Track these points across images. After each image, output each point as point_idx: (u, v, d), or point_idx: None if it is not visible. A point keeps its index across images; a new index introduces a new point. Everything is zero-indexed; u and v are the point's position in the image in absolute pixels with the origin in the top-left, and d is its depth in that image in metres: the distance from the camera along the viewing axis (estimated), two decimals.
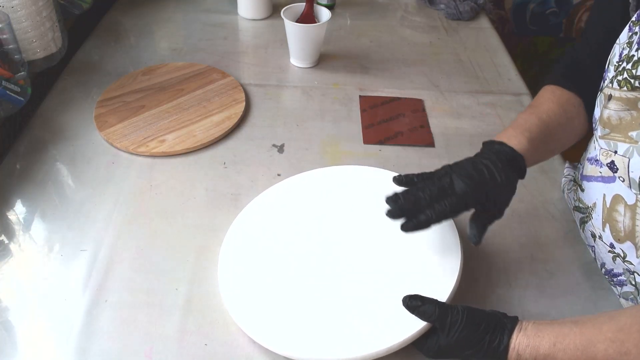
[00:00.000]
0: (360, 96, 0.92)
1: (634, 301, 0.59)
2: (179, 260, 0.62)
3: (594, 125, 0.62)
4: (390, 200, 0.53)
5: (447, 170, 0.56)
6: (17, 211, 0.67)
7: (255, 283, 0.59)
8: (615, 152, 0.56)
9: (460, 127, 0.86)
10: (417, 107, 0.90)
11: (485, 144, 0.60)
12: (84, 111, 0.84)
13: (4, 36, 0.69)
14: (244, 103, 0.85)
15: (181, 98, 0.84)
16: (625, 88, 0.54)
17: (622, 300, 0.61)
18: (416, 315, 0.52)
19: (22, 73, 0.73)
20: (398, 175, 0.56)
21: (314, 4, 0.97)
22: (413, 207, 0.53)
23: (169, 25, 1.11)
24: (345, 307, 0.57)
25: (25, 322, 0.56)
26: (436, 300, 0.52)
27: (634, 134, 0.54)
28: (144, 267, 0.61)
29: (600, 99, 0.59)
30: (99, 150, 0.77)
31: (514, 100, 0.93)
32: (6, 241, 0.64)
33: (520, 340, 0.48)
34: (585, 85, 0.64)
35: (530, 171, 0.77)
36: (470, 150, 0.81)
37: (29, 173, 0.72)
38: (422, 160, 0.79)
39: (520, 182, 0.76)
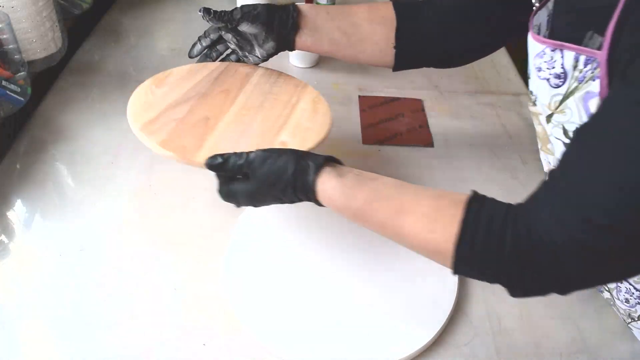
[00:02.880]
0: (359, 96, 0.92)
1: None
2: (178, 260, 0.63)
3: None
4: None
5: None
6: (17, 211, 0.68)
7: (260, 284, 0.59)
8: (549, 162, 0.58)
9: (459, 127, 0.86)
10: (416, 107, 0.90)
11: None
12: (84, 111, 0.84)
13: (4, 36, 0.69)
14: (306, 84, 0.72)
15: (240, 98, 0.66)
16: (530, 103, 0.56)
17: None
18: (221, 171, 0.52)
19: (22, 73, 0.73)
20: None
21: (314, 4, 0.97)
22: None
23: (169, 25, 1.11)
24: (348, 309, 0.57)
25: (25, 322, 0.56)
26: (234, 153, 0.52)
27: (550, 145, 0.55)
28: (143, 267, 0.62)
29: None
30: (99, 150, 0.77)
31: (513, 100, 0.93)
32: (6, 241, 0.64)
33: (334, 185, 0.48)
34: (412, 21, 0.65)
35: (531, 171, 0.78)
36: (470, 150, 0.81)
37: (29, 173, 0.72)
38: (422, 160, 0.79)
39: (520, 182, 0.76)
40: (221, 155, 0.51)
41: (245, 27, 0.64)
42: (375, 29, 0.65)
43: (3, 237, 0.64)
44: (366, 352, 0.53)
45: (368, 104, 0.90)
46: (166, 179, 0.73)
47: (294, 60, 0.99)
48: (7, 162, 0.74)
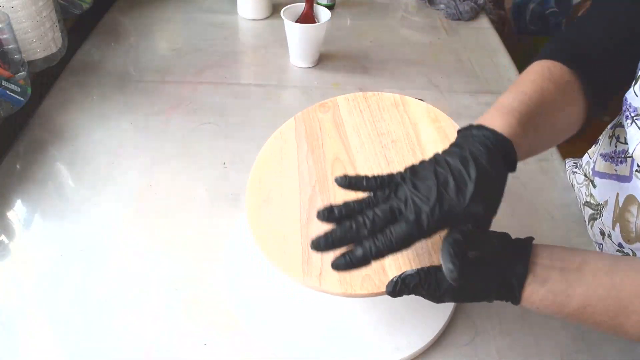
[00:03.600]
0: None
1: None
2: (179, 260, 0.62)
3: (630, 116, 0.54)
4: (321, 235, 0.40)
5: (403, 178, 0.42)
6: (17, 211, 0.67)
7: (259, 284, 0.59)
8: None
9: (460, 127, 0.86)
10: None
11: (460, 131, 0.46)
12: (84, 111, 0.84)
13: (4, 36, 0.69)
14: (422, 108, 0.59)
15: (359, 165, 0.54)
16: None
17: None
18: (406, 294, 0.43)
19: (22, 73, 0.73)
20: (327, 208, 0.42)
21: (314, 4, 0.97)
22: (349, 237, 0.40)
23: (169, 25, 1.11)
24: (348, 309, 0.57)
25: (25, 322, 0.56)
26: (416, 270, 0.42)
27: None
28: (144, 267, 0.61)
29: None
30: (99, 150, 0.77)
31: None
32: (6, 241, 0.64)
33: (542, 296, 0.42)
34: (587, 65, 0.53)
35: (530, 171, 0.78)
36: None
37: (29, 173, 0.72)
38: None
39: (519, 182, 0.76)
40: (402, 281, 0.42)
41: None
42: (569, 114, 0.53)
43: (3, 237, 0.64)
44: (366, 352, 0.53)
45: None
46: (166, 179, 0.73)
47: (294, 60, 0.99)
48: (7, 162, 0.74)
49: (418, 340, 0.54)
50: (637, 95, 0.54)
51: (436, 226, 0.39)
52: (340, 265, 0.40)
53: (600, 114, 0.56)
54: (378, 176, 0.43)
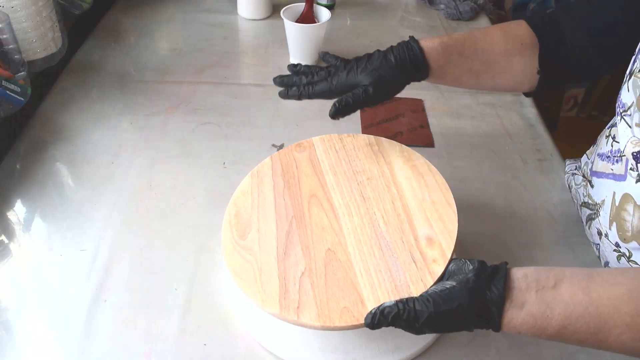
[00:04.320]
0: None
1: None
2: (178, 260, 0.62)
3: (619, 112, 0.57)
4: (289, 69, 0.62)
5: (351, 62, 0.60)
6: (17, 211, 0.67)
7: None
8: None
9: (460, 127, 0.86)
10: (417, 107, 0.90)
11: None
12: (84, 111, 0.84)
13: (4, 36, 0.69)
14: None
15: (335, 200, 0.57)
16: None
17: None
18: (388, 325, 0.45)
19: (22, 73, 0.73)
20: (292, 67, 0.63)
21: (314, 4, 0.97)
22: (292, 82, 0.60)
23: (169, 25, 1.11)
24: None
25: (25, 322, 0.56)
26: (397, 307, 0.44)
27: None
28: (143, 267, 0.61)
29: (633, 84, 0.54)
30: (99, 150, 0.77)
31: (514, 100, 0.93)
32: (6, 241, 0.64)
33: (522, 321, 0.42)
34: (553, 40, 0.59)
35: (530, 171, 0.78)
36: (470, 150, 0.81)
37: (29, 173, 0.72)
38: None
39: (520, 183, 0.76)
40: (381, 312, 0.44)
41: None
42: (512, 61, 0.60)
43: (3, 237, 0.64)
44: (366, 352, 0.53)
45: None
46: (166, 179, 0.73)
47: (294, 60, 0.99)
48: (7, 162, 0.74)
49: (418, 340, 0.54)
50: (628, 91, 0.54)
51: (341, 87, 0.58)
52: (281, 93, 0.61)
53: (547, 88, 0.63)
54: (307, 66, 0.62)
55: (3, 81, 0.69)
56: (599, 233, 0.62)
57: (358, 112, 0.88)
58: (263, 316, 0.56)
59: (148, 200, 0.70)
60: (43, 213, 0.67)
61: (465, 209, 0.71)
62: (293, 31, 0.94)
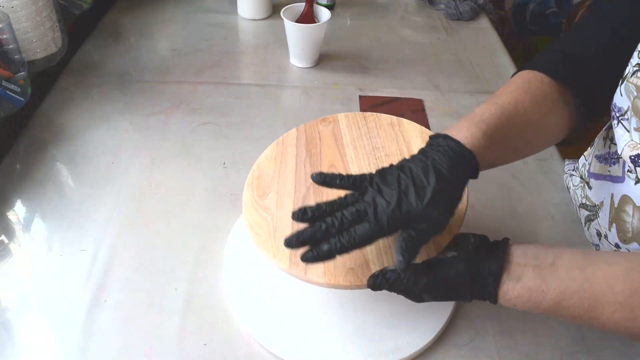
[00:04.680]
0: (360, 96, 0.92)
1: None
2: (178, 260, 0.62)
3: (615, 117, 0.56)
4: (292, 236, 0.44)
5: (371, 181, 0.45)
6: (17, 211, 0.67)
7: (260, 284, 0.59)
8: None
9: None
10: (417, 107, 0.90)
11: (430, 138, 0.49)
12: (84, 111, 0.84)
13: (4, 36, 0.69)
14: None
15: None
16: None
17: None
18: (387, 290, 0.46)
19: (22, 73, 0.73)
20: (301, 210, 0.45)
21: (314, 4, 0.97)
22: (318, 236, 0.44)
23: (169, 25, 1.11)
24: (348, 309, 0.57)
25: (25, 322, 0.56)
26: (395, 273, 0.45)
27: None
28: (143, 267, 0.61)
29: (625, 89, 0.53)
30: (99, 150, 0.77)
31: None
32: (6, 241, 0.64)
33: (518, 293, 0.43)
34: (578, 76, 0.54)
35: (530, 172, 0.78)
36: None
37: (29, 173, 0.72)
38: None
39: (520, 182, 0.76)
40: (383, 275, 0.45)
41: None
42: (548, 123, 0.54)
43: (3, 237, 0.64)
44: (366, 352, 0.53)
45: (368, 104, 0.90)
46: (166, 179, 0.73)
47: (294, 60, 0.99)
48: (7, 162, 0.74)
49: (418, 340, 0.54)
50: (622, 95, 0.54)
51: (394, 226, 0.43)
52: (308, 258, 0.44)
53: (592, 120, 0.57)
54: (350, 176, 0.46)
55: (3, 81, 0.69)
56: (599, 234, 0.62)
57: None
58: (263, 316, 0.56)
59: (148, 200, 0.70)
60: (43, 213, 0.67)
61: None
62: (293, 31, 0.94)
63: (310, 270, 0.48)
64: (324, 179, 0.46)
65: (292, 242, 0.44)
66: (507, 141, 0.51)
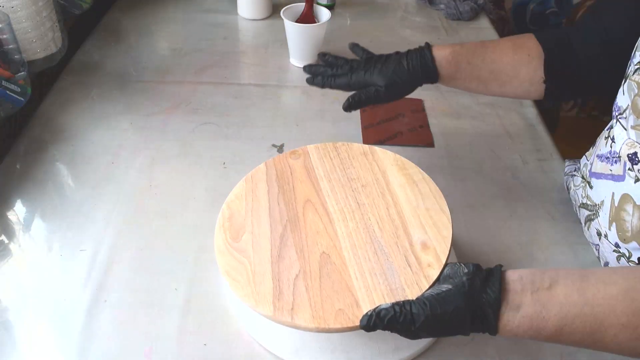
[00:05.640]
0: None
1: None
2: (178, 260, 0.62)
3: (615, 115, 0.58)
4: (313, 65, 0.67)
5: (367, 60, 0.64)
6: (17, 211, 0.67)
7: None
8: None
9: (460, 127, 0.86)
10: (417, 107, 0.90)
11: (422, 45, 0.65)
12: (84, 111, 0.84)
13: (4, 36, 0.69)
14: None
15: (330, 206, 0.57)
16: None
17: None
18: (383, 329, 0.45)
19: (22, 73, 0.73)
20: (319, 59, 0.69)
21: (314, 4, 0.97)
22: (319, 72, 0.65)
23: (169, 25, 1.11)
24: None
25: (25, 322, 0.56)
26: (392, 308, 0.44)
27: None
28: (143, 267, 0.61)
29: (628, 87, 0.55)
30: (99, 150, 0.77)
31: (513, 100, 0.93)
32: (6, 241, 0.64)
33: (518, 323, 0.43)
34: (563, 50, 0.62)
35: (530, 171, 0.78)
36: (470, 150, 0.81)
37: (29, 173, 0.72)
38: (422, 160, 0.79)
39: (520, 182, 0.76)
40: (377, 314, 0.44)
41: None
42: (519, 70, 0.63)
43: (3, 237, 0.64)
44: (366, 352, 0.53)
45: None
46: (166, 179, 0.73)
47: (294, 60, 0.99)
48: (7, 162, 0.74)
49: (418, 340, 0.54)
50: (624, 94, 0.55)
51: (357, 83, 0.63)
52: (308, 79, 0.66)
53: (556, 100, 0.66)
54: (334, 57, 0.67)
55: (3, 81, 0.69)
56: (599, 234, 0.62)
57: (358, 112, 0.88)
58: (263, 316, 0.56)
59: (148, 200, 0.70)
60: (43, 213, 0.67)
61: (465, 209, 0.71)
62: (293, 31, 0.94)
63: (297, 316, 0.46)
64: (310, 66, 0.67)
65: (305, 68, 0.67)
66: (472, 65, 0.63)
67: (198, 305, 0.58)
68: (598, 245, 0.63)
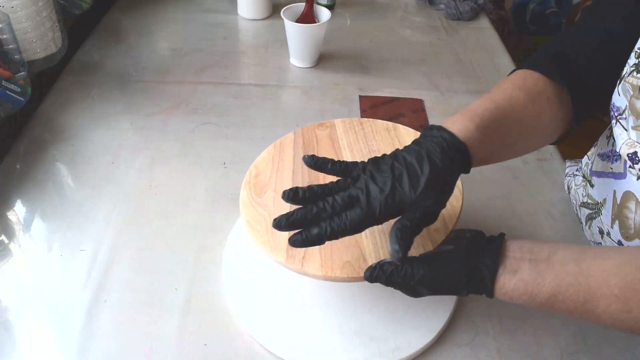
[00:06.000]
0: (360, 96, 0.92)
1: None
2: (178, 260, 0.62)
3: (614, 116, 0.57)
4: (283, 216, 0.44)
5: (364, 168, 0.46)
6: (17, 211, 0.67)
7: (260, 284, 0.59)
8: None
9: None
10: (417, 107, 0.90)
11: (424, 130, 0.49)
12: (84, 111, 0.84)
13: (4, 36, 0.69)
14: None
15: None
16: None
17: None
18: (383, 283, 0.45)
19: (22, 73, 0.73)
20: (292, 190, 0.45)
21: (314, 4, 0.97)
22: (308, 218, 0.44)
23: (169, 25, 1.11)
24: (348, 309, 0.57)
25: (25, 322, 0.56)
26: (396, 266, 0.44)
27: None
28: (143, 267, 0.61)
29: (622, 89, 0.54)
30: (99, 150, 0.77)
31: None
32: (6, 241, 0.64)
33: (514, 286, 0.44)
34: (574, 76, 0.54)
35: (530, 171, 0.78)
36: None
37: (29, 173, 0.72)
38: None
39: (520, 182, 0.76)
40: (380, 267, 0.44)
41: None
42: (542, 120, 0.54)
43: (3, 237, 0.64)
44: (366, 352, 0.53)
45: (369, 104, 0.90)
46: (166, 179, 0.73)
47: (294, 60, 0.99)
48: (7, 162, 0.74)
49: (418, 340, 0.54)
50: (619, 95, 0.55)
51: (387, 214, 0.43)
52: (296, 241, 0.43)
53: (586, 120, 0.58)
54: (342, 162, 0.47)
55: (3, 81, 0.69)
56: (601, 232, 0.62)
57: (358, 113, 0.88)
58: (263, 316, 0.56)
59: (148, 200, 0.70)
60: (43, 213, 0.67)
61: (465, 209, 0.71)
62: (293, 31, 0.94)
63: (307, 264, 0.48)
64: (315, 162, 0.47)
65: (281, 223, 0.44)
66: (500, 136, 0.51)
67: (198, 305, 0.58)
68: (600, 243, 0.63)
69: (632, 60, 0.54)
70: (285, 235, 0.49)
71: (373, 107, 0.89)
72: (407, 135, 0.63)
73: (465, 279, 0.45)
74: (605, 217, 0.61)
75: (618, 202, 0.58)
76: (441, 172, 0.45)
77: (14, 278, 0.60)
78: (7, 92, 0.69)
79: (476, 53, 1.07)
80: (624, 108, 0.55)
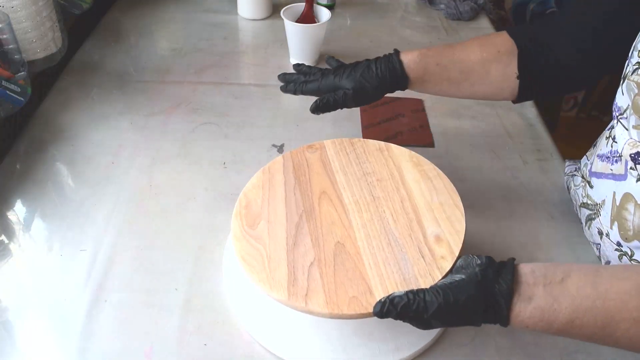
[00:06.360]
0: None
1: None
2: (178, 260, 0.62)
3: (616, 115, 0.58)
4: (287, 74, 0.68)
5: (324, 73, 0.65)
6: (17, 211, 0.67)
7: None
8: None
9: (460, 127, 0.86)
10: (417, 107, 0.90)
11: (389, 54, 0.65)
12: (84, 111, 0.84)
13: (4, 36, 0.69)
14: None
15: (345, 197, 0.57)
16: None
17: None
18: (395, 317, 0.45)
19: (22, 73, 0.73)
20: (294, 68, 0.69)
21: (314, 4, 0.97)
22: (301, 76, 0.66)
23: (169, 25, 1.11)
24: None
25: (25, 322, 0.56)
26: (405, 295, 0.44)
27: None
28: (143, 267, 0.61)
29: (627, 88, 0.55)
30: (99, 150, 0.77)
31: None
32: (6, 241, 0.64)
33: (530, 314, 0.42)
34: (536, 46, 0.61)
35: (530, 171, 0.78)
36: (470, 150, 0.81)
37: (29, 173, 0.72)
38: None
39: (520, 182, 0.76)
40: (390, 301, 0.44)
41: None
42: (489, 69, 0.63)
43: (3, 237, 0.64)
44: (366, 352, 0.53)
45: (369, 104, 0.90)
46: (166, 179, 0.73)
47: (294, 60, 0.99)
48: (7, 162, 0.74)
49: (418, 340, 0.54)
50: (623, 94, 0.55)
51: (328, 89, 0.64)
52: (289, 88, 0.66)
53: (527, 100, 0.66)
54: (308, 66, 0.68)
55: (3, 81, 0.69)
56: (600, 233, 0.62)
57: (358, 112, 0.88)
58: (263, 316, 0.56)
59: (148, 200, 0.70)
60: (43, 213, 0.67)
61: (466, 209, 0.70)
62: (293, 31, 0.94)
63: (311, 301, 0.47)
64: (284, 75, 0.68)
65: (280, 76, 0.68)
66: (440, 67, 0.63)
67: (198, 305, 0.58)
68: (599, 244, 0.63)
69: (634, 58, 0.54)
70: (285, 270, 0.49)
71: (373, 107, 0.89)
72: (400, 155, 0.62)
73: (482, 309, 0.43)
74: (604, 218, 0.61)
75: (617, 204, 0.58)
76: (369, 76, 0.63)
77: (14, 278, 0.60)
78: (7, 92, 0.69)
79: None
80: (625, 107, 0.55)
